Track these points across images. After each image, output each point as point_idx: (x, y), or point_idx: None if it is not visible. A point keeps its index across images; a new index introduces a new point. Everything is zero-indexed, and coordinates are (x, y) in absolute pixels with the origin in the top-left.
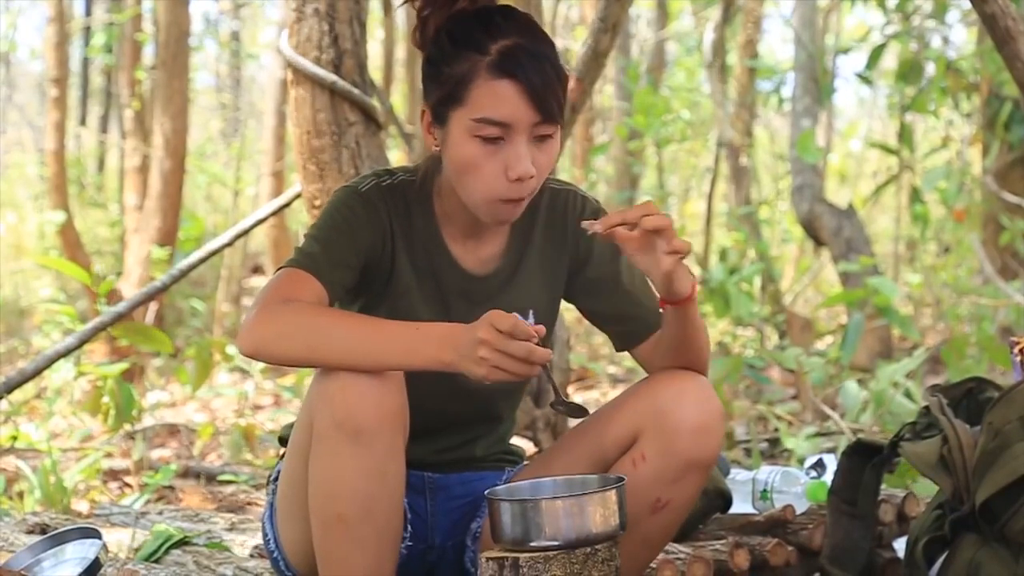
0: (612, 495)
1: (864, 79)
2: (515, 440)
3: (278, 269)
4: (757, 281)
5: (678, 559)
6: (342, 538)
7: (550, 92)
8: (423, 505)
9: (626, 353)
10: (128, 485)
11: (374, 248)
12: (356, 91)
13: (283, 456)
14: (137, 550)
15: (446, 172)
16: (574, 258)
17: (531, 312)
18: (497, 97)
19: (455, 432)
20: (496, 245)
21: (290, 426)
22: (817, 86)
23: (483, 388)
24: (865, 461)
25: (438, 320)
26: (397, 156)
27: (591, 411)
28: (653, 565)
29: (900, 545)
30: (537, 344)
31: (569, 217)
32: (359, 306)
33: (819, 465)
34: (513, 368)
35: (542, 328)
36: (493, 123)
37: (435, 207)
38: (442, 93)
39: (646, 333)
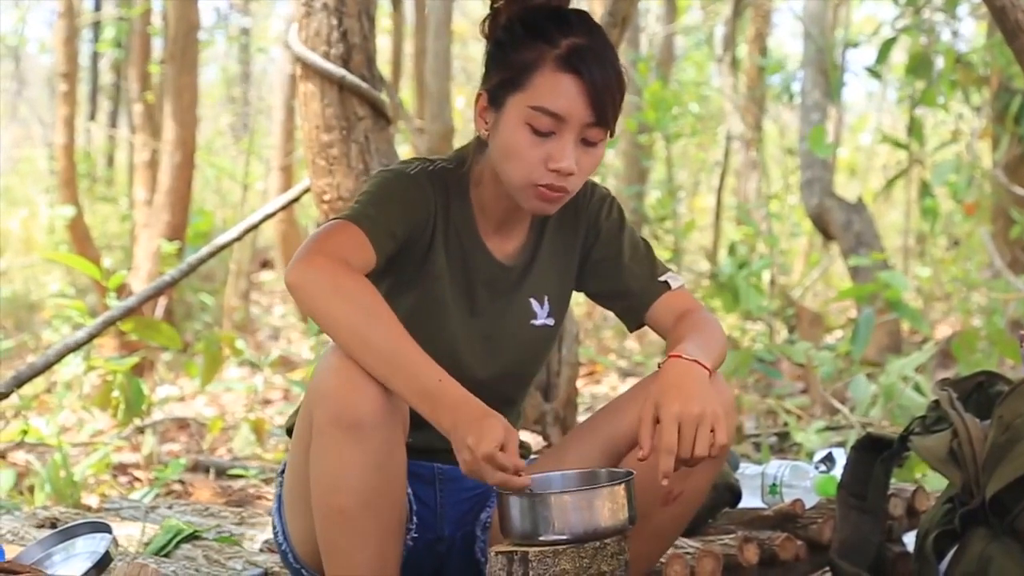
0: (621, 489)
1: (874, 73)
2: (524, 435)
3: (332, 219)
4: (766, 275)
5: (687, 553)
6: (344, 531)
7: (609, 97)
8: (432, 496)
9: (634, 347)
10: (138, 479)
11: (417, 228)
12: (365, 86)
13: None
14: (147, 544)
15: (491, 156)
16: (583, 243)
17: (546, 298)
18: (558, 89)
19: None
20: (520, 238)
21: (296, 416)
22: (827, 80)
23: (492, 377)
24: (874, 455)
25: (467, 310)
26: (406, 151)
27: (599, 405)
28: (663, 559)
29: (910, 539)
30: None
31: (580, 204)
32: (386, 286)
33: (828, 459)
34: (489, 482)
35: (522, 463)
36: (548, 113)
37: (472, 196)
38: (504, 77)
39: (649, 303)
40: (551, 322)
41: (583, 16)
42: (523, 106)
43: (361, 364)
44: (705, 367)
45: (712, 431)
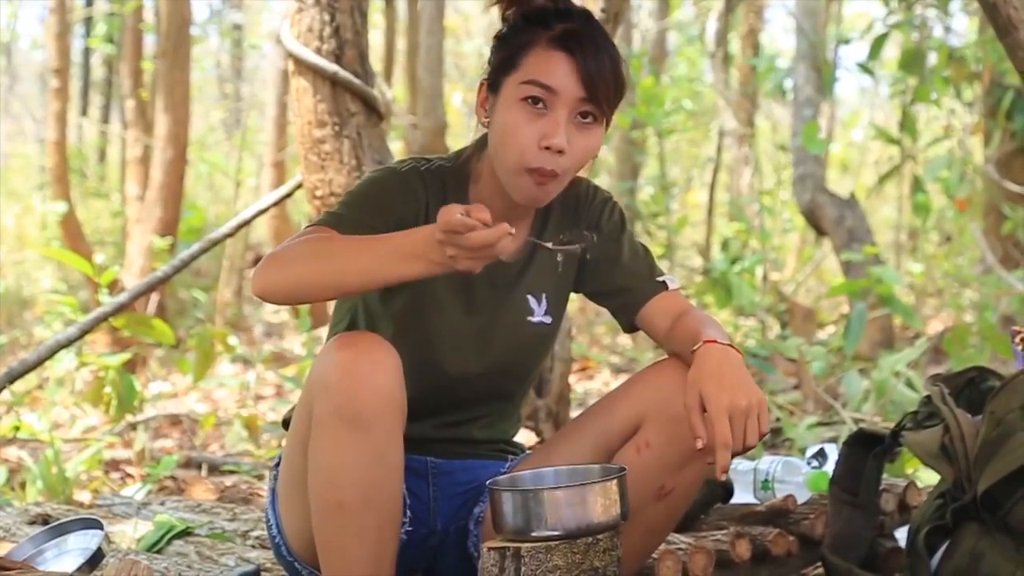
0: (613, 485)
1: (866, 69)
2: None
3: (305, 227)
4: (759, 271)
5: (680, 549)
6: (342, 525)
7: (601, 78)
8: (426, 490)
9: (627, 343)
10: (130, 475)
11: (403, 224)
12: (357, 81)
13: None
14: (139, 541)
15: (490, 146)
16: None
17: (544, 296)
18: (549, 65)
19: (461, 408)
20: (522, 236)
21: (293, 410)
22: (819, 76)
23: (485, 371)
24: (867, 451)
25: (463, 307)
26: (399, 147)
27: (592, 401)
28: (655, 555)
29: (901, 534)
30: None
31: (582, 205)
32: None
33: (821, 455)
34: (482, 255)
35: (487, 216)
36: (540, 85)
37: (470, 194)
38: (500, 59)
39: (643, 301)
40: (548, 320)
41: (584, 11)
42: (517, 84)
43: (348, 291)
44: (738, 351)
45: (758, 420)
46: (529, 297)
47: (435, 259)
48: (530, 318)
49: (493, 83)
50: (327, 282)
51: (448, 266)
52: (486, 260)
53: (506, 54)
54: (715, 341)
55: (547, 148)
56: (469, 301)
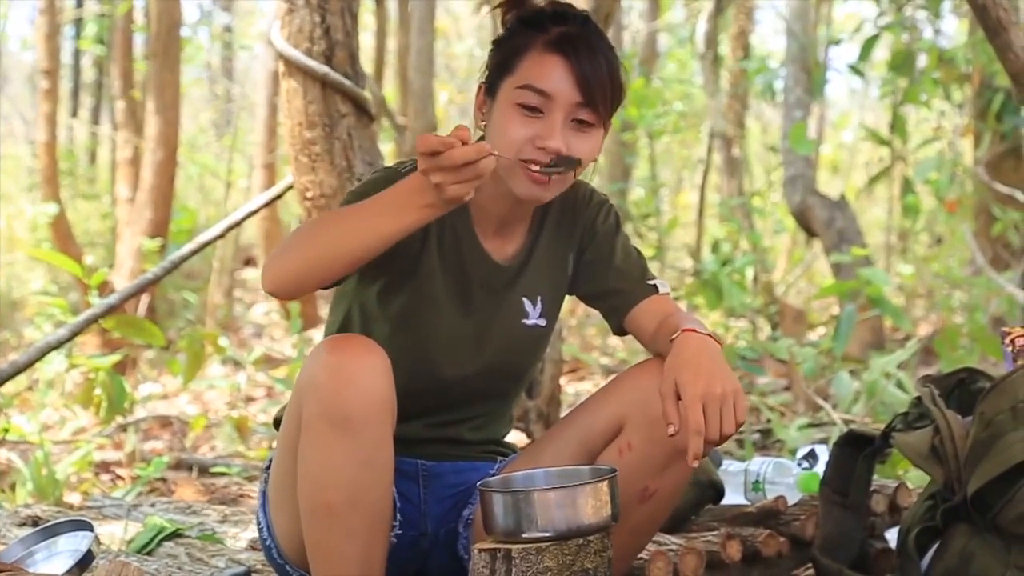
0: (604, 486)
1: (856, 71)
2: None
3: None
4: (750, 272)
5: (670, 550)
6: (331, 527)
7: (597, 82)
8: (416, 492)
9: (618, 344)
10: (120, 477)
11: None
12: (348, 82)
13: None
14: (129, 542)
15: None
16: (579, 245)
17: (539, 298)
18: (544, 68)
19: (455, 408)
20: (520, 240)
21: (284, 409)
22: (809, 77)
23: (480, 371)
24: (857, 452)
25: (460, 309)
26: (389, 148)
27: (580, 400)
28: (645, 556)
29: (892, 535)
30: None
31: (579, 207)
32: (381, 284)
33: (811, 456)
34: (467, 176)
35: (463, 133)
36: (535, 91)
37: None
38: (497, 62)
39: (633, 303)
40: (543, 323)
41: (582, 14)
42: (512, 88)
43: (352, 260)
44: (717, 341)
45: (734, 408)
46: (524, 300)
47: (426, 201)
48: (525, 320)
49: (490, 86)
50: (329, 255)
51: (439, 205)
52: (472, 182)
53: (502, 58)
54: (694, 331)
55: (542, 148)
56: (466, 303)
